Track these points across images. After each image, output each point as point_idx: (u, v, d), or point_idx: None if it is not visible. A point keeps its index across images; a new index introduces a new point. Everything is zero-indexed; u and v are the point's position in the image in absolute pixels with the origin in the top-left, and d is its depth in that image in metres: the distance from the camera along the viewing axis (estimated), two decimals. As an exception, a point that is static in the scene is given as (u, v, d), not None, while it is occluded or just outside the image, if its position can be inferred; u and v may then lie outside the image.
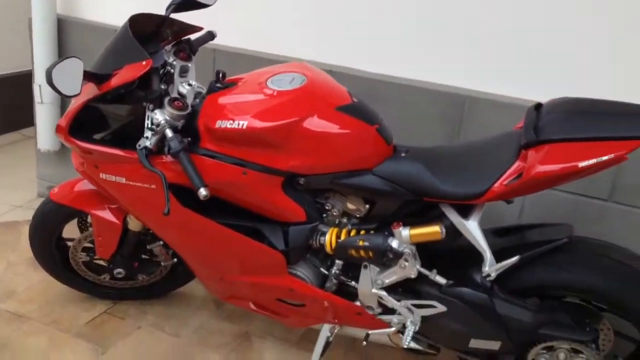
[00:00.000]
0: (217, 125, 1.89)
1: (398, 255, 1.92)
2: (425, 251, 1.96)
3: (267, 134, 1.84)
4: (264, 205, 1.98)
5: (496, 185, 1.75)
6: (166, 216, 1.86)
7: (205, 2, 2.14)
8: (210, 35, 2.26)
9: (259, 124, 1.85)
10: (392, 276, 1.98)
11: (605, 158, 1.61)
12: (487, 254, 1.85)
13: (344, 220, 2.05)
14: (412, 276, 1.95)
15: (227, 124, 1.87)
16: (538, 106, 1.84)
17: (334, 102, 1.90)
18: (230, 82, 2.03)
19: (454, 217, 1.88)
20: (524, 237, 1.97)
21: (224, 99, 1.94)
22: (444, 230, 1.87)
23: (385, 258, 1.93)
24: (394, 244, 1.93)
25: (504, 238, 1.99)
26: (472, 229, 1.85)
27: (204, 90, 2.03)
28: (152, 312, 2.73)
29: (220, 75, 2.01)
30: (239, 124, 1.85)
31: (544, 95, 2.16)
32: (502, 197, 1.78)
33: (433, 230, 1.87)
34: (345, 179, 1.92)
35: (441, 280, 1.95)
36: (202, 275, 2.29)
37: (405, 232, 1.90)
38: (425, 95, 2.55)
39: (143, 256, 2.60)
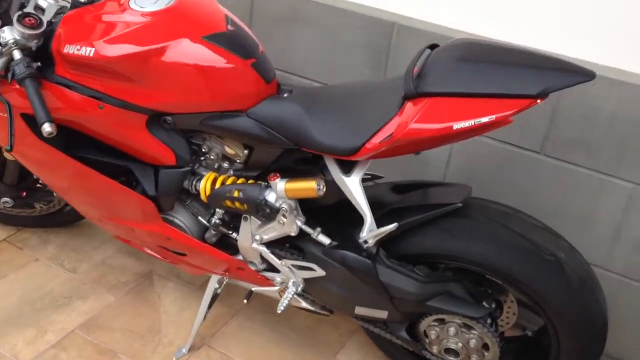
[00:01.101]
0: (65, 50, 1.61)
1: (275, 210, 1.69)
2: (315, 207, 1.73)
3: (117, 64, 1.57)
4: (128, 145, 1.74)
5: (370, 142, 1.49)
6: (9, 152, 1.63)
7: None
8: None
9: (107, 51, 1.57)
10: (271, 232, 1.76)
11: (484, 120, 1.34)
12: (367, 218, 1.61)
13: (225, 164, 1.80)
14: (292, 234, 1.73)
15: (74, 49, 1.60)
16: (432, 47, 1.54)
17: (202, 29, 1.61)
18: (102, -4, 1.73)
19: (335, 172, 1.63)
20: (418, 197, 1.73)
21: (79, 19, 1.65)
22: (322, 187, 1.62)
23: (262, 212, 1.70)
24: (270, 197, 1.69)
25: (399, 196, 1.74)
26: (352, 187, 1.61)
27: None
28: (55, 243, 2.55)
29: None
30: (86, 51, 1.58)
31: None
32: (378, 155, 1.52)
33: (308, 186, 1.62)
34: (216, 120, 1.66)
35: (325, 240, 1.72)
36: (83, 214, 2.09)
37: (281, 185, 1.66)
38: (350, 19, 2.23)
39: (38, 185, 2.39)
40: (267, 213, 1.70)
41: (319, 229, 1.73)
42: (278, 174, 1.68)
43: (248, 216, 1.78)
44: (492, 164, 2.17)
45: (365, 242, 1.64)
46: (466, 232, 1.64)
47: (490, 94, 1.35)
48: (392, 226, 1.57)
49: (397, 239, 1.68)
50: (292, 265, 1.78)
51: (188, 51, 1.58)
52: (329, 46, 2.29)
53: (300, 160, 1.71)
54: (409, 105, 1.43)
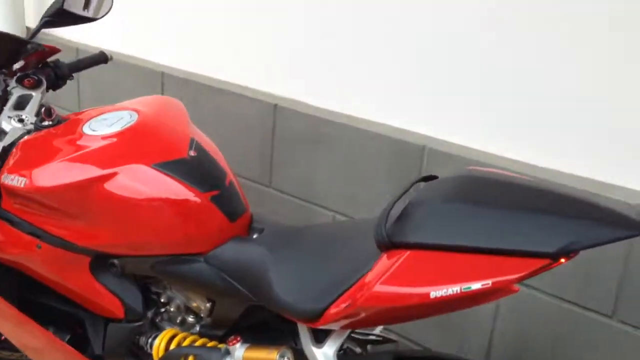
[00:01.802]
0: (2, 180, 1.39)
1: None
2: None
3: (50, 196, 1.32)
4: (73, 292, 1.44)
5: (335, 306, 1.10)
6: None
7: (89, 15, 1.65)
8: (103, 57, 1.78)
9: (40, 182, 1.33)
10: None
11: (475, 286, 0.92)
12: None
13: (191, 318, 1.46)
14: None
15: (9, 179, 1.37)
16: (429, 178, 1.16)
17: (157, 155, 1.33)
18: (64, 119, 1.53)
19: (305, 340, 1.24)
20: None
21: (30, 145, 1.44)
22: (287, 359, 1.23)
23: None
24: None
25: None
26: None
27: None
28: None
29: (44, 110, 1.50)
30: (19, 181, 1.35)
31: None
32: (356, 324, 1.13)
33: (269, 358, 1.23)
34: (169, 265, 1.35)
35: None
36: None
37: (239, 353, 1.28)
38: (376, 142, 1.91)
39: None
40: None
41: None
42: (239, 338, 1.30)
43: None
44: (550, 330, 1.68)
45: None
46: None
47: (490, 250, 0.94)
48: None
49: None
50: None
51: (134, 181, 1.30)
52: (353, 174, 1.97)
53: (276, 319, 1.34)
54: (383, 260, 1.05)
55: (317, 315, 1.13)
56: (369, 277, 1.03)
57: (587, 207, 0.94)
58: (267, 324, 1.36)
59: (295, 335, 1.27)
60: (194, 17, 2.44)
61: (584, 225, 0.91)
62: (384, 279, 1.00)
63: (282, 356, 1.23)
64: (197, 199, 1.31)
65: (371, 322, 1.11)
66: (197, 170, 1.34)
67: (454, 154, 1.77)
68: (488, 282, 0.92)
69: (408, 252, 1.00)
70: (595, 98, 1.56)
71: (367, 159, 1.94)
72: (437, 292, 0.94)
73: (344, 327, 1.14)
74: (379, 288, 1.00)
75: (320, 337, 1.23)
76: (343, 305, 1.07)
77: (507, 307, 1.74)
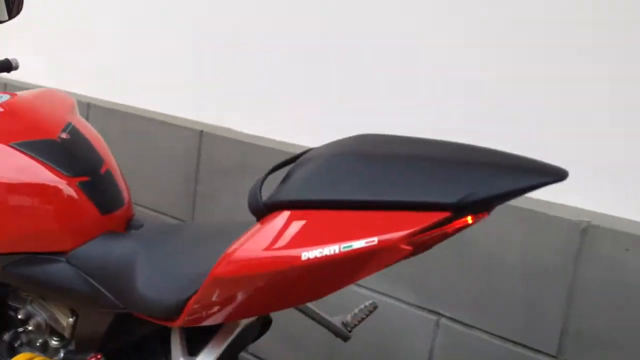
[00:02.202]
0: None
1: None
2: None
3: None
4: None
5: (196, 296, 0.88)
6: None
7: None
8: (7, 64, 1.59)
9: None
10: None
11: (358, 244, 0.72)
12: None
13: (54, 341, 1.21)
14: None
15: None
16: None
17: (20, 134, 1.13)
18: None
19: (176, 352, 1.00)
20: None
21: None
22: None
23: None
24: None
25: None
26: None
27: None
28: None
29: None
30: None
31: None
32: (213, 316, 0.90)
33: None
34: (24, 267, 1.11)
35: None
36: None
37: (96, 372, 1.04)
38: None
39: None
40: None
41: None
42: (100, 355, 1.06)
43: None
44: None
45: None
46: None
47: (378, 204, 0.74)
48: None
49: None
50: None
51: None
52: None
53: (150, 334, 1.10)
54: (253, 227, 0.83)
55: (179, 309, 0.90)
56: (233, 247, 0.82)
57: (498, 156, 0.76)
58: (140, 342, 1.12)
59: (168, 353, 1.03)
60: (119, 48, 2.32)
61: (494, 173, 0.72)
62: (247, 243, 0.79)
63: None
64: (61, 183, 1.09)
65: (244, 308, 0.88)
66: (66, 153, 1.13)
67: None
68: (373, 240, 0.71)
69: (281, 213, 0.80)
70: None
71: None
72: (311, 252, 0.73)
73: (212, 319, 0.91)
74: (240, 254, 0.79)
75: (194, 350, 1.00)
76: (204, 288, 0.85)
77: (443, 347, 1.52)
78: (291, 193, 0.79)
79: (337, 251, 0.72)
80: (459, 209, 0.70)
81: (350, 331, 1.21)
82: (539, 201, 1.40)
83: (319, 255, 0.73)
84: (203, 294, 0.86)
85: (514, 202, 1.39)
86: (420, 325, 1.55)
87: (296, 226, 0.77)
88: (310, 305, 1.19)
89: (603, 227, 1.31)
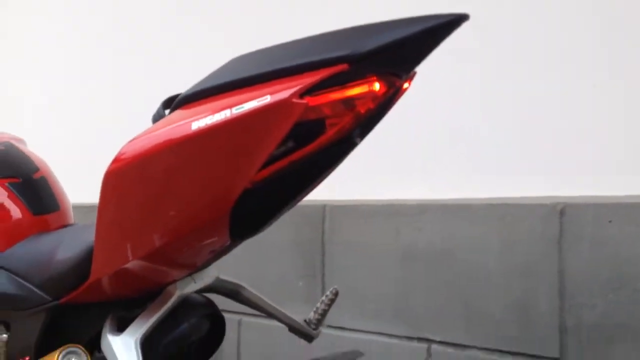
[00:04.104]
0: None
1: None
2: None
3: None
4: None
5: None
6: None
7: None
8: None
9: None
10: None
11: (247, 106, 0.67)
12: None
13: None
14: None
15: None
16: None
17: None
18: None
19: (105, 331, 0.90)
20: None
21: None
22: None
23: None
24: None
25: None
26: (119, 350, 0.86)
27: None
28: None
29: None
30: None
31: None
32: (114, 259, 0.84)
33: (49, 363, 0.89)
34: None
35: None
36: None
37: (24, 373, 0.94)
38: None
39: None
40: None
41: None
42: (28, 358, 0.96)
43: None
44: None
45: None
46: None
47: (270, 74, 0.70)
48: None
49: None
50: None
51: None
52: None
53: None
54: None
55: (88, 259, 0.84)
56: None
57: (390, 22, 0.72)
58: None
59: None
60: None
61: (386, 25, 0.69)
62: (136, 138, 0.75)
63: (65, 356, 0.89)
64: None
65: (150, 225, 0.79)
66: None
67: (356, 205, 1.54)
68: (266, 98, 0.67)
69: (175, 111, 0.76)
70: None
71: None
72: (201, 121, 0.68)
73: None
74: (129, 145, 0.74)
75: (122, 326, 0.91)
76: None
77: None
78: (190, 90, 0.76)
79: (228, 115, 0.67)
80: (356, 62, 0.67)
81: (315, 329, 1.10)
82: (510, 198, 1.33)
83: (209, 122, 0.68)
84: (100, 210, 0.79)
85: (486, 201, 1.33)
86: (411, 357, 1.41)
87: (187, 111, 0.73)
88: (271, 303, 1.10)
89: (581, 204, 1.22)
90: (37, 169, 1.15)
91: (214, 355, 1.08)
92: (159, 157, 0.72)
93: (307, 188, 0.79)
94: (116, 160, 0.76)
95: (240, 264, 1.64)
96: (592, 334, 1.18)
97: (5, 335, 1.05)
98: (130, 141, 0.75)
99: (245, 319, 1.70)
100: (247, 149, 0.71)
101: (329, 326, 1.47)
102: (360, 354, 1.00)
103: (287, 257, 1.64)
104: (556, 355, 1.22)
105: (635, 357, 1.14)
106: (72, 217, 1.17)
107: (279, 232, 1.63)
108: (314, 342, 1.11)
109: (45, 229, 1.09)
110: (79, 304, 0.93)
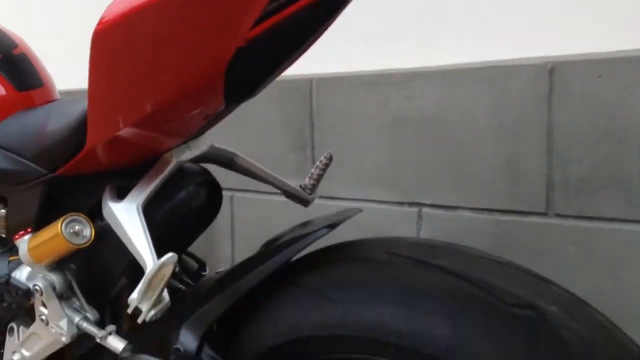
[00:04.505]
0: None
1: (25, 294, 0.95)
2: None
3: None
4: None
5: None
6: None
7: None
8: None
9: None
10: (35, 343, 0.99)
11: None
12: (147, 263, 0.83)
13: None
14: (64, 340, 0.95)
15: None
16: None
17: None
18: None
19: (105, 199, 0.91)
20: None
21: None
22: (78, 228, 0.90)
23: (9, 304, 0.97)
24: (20, 273, 0.97)
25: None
26: (122, 216, 0.87)
27: None
28: None
29: None
30: None
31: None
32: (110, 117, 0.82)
33: (53, 233, 0.90)
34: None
35: (117, 344, 0.93)
36: None
37: (23, 244, 0.95)
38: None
39: None
40: (17, 305, 0.96)
41: (110, 328, 0.94)
42: (30, 229, 0.97)
43: (15, 326, 1.04)
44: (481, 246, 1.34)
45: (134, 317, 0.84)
46: (350, 284, 0.81)
47: None
48: (169, 257, 0.78)
49: (236, 327, 0.87)
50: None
51: None
52: (245, 128, 1.69)
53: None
54: None
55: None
56: None
57: None
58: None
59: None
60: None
61: None
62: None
63: (67, 224, 0.90)
64: None
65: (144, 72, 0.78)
66: None
67: (344, 76, 1.52)
68: None
69: None
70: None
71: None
72: None
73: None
74: (112, 7, 0.71)
75: (122, 194, 0.91)
76: None
77: (429, 237, 1.41)
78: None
79: None
80: None
81: (310, 194, 1.12)
82: (499, 60, 1.32)
83: None
84: (90, 75, 0.77)
85: (475, 65, 1.32)
86: (402, 221, 1.45)
87: None
88: (266, 169, 1.11)
89: (570, 61, 1.22)
90: (15, 45, 1.12)
91: (209, 231, 1.10)
92: (145, 14, 0.69)
93: (303, 45, 0.78)
94: (101, 21, 0.73)
95: (230, 142, 1.64)
96: (578, 188, 1.22)
97: (3, 211, 1.06)
98: (115, 0, 0.72)
99: (237, 194, 1.72)
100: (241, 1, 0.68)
101: (321, 196, 1.50)
102: (358, 210, 1.02)
103: (277, 132, 1.64)
104: (542, 210, 1.26)
105: (618, 208, 1.18)
106: (57, 93, 1.14)
107: (267, 108, 1.62)
108: (309, 210, 1.13)
109: (31, 104, 1.07)
110: (75, 175, 0.93)
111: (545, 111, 1.24)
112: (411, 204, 1.44)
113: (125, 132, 0.81)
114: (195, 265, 1.20)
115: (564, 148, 1.22)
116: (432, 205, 1.41)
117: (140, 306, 0.80)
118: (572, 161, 1.21)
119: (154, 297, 0.80)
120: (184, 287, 1.12)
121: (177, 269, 1.17)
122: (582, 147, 1.20)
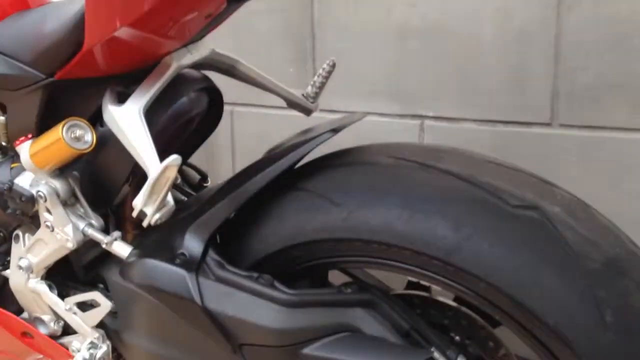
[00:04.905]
0: None
1: (29, 200, 0.95)
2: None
3: None
4: None
5: None
6: None
7: None
8: None
9: None
10: (41, 250, 1.00)
11: None
12: (149, 170, 0.82)
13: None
14: (70, 246, 0.96)
15: None
16: None
17: None
18: None
19: (106, 104, 0.90)
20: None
21: None
22: (78, 132, 0.89)
23: (12, 210, 0.97)
24: (22, 179, 0.97)
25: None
26: (122, 121, 0.86)
27: None
28: None
29: None
30: None
31: None
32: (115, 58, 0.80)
33: (55, 137, 0.89)
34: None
35: (123, 249, 0.94)
36: None
37: (25, 149, 0.94)
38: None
39: None
40: (21, 211, 0.96)
41: (116, 234, 0.95)
42: (31, 135, 0.96)
43: (21, 233, 1.05)
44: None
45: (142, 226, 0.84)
46: (354, 187, 0.81)
47: None
48: (173, 158, 0.78)
49: (239, 231, 0.88)
50: (76, 304, 0.99)
51: None
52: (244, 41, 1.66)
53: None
54: None
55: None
56: None
57: None
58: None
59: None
60: None
61: None
62: None
63: (68, 129, 0.89)
64: None
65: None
66: None
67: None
68: None
69: None
70: None
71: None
72: None
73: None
74: None
75: (123, 98, 0.90)
76: None
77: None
78: None
79: None
80: None
81: (313, 102, 1.10)
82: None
83: None
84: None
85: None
86: (404, 133, 1.44)
87: None
88: (268, 77, 1.08)
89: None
90: None
91: (209, 146, 1.09)
92: None
93: None
94: None
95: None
96: (583, 97, 1.20)
97: (2, 118, 1.04)
98: None
99: (237, 109, 1.71)
100: None
101: (321, 110, 1.48)
102: (363, 114, 1.00)
103: (277, 44, 1.60)
104: (547, 121, 1.25)
105: (622, 116, 1.17)
106: None
107: (268, 18, 1.58)
108: (310, 122, 1.12)
109: (25, 6, 1.03)
110: (75, 79, 0.91)
111: (554, 17, 1.20)
112: (413, 116, 1.42)
113: (124, 32, 0.79)
114: (197, 176, 1.20)
115: (571, 55, 1.19)
116: (434, 117, 1.39)
117: (145, 209, 0.81)
118: (579, 69, 1.19)
119: (158, 200, 0.80)
120: (186, 199, 1.12)
121: (179, 180, 1.18)
122: (590, 54, 1.17)
